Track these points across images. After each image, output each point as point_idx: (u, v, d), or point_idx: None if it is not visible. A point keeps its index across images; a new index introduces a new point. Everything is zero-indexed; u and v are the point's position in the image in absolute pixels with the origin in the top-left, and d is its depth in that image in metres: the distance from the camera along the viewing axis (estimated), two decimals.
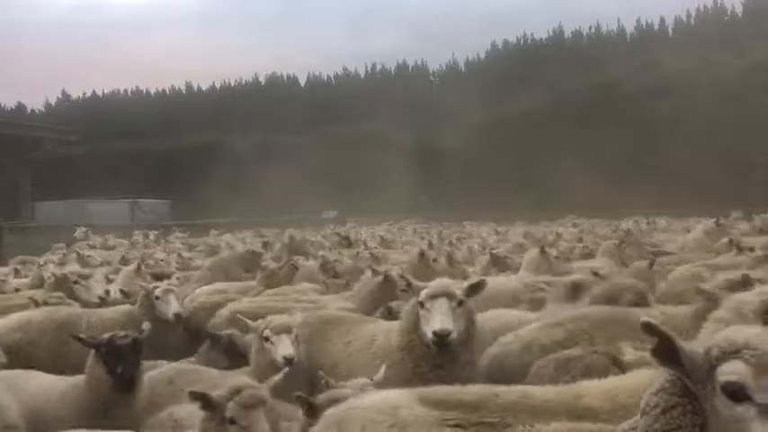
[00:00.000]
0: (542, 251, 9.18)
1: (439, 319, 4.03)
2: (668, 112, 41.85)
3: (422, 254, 9.46)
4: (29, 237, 23.35)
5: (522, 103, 49.87)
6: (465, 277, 7.15)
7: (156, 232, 23.33)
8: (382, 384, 3.62)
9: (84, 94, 76.47)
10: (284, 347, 4.39)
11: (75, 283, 7.38)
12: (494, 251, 10.79)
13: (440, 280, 4.55)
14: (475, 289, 4.35)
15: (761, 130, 37.15)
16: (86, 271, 8.23)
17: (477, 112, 50.60)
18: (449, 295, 4.15)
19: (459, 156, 46.66)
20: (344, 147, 47.96)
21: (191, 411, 3.58)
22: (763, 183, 33.64)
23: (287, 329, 4.50)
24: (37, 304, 6.55)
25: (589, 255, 10.71)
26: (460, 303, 4.19)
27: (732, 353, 1.86)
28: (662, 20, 61.40)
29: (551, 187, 39.44)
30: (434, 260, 9.42)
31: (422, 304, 4.21)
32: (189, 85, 76.22)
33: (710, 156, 37.62)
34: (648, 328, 1.94)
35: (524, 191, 39.64)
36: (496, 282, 7.71)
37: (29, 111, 74.16)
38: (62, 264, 11.31)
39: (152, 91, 76.62)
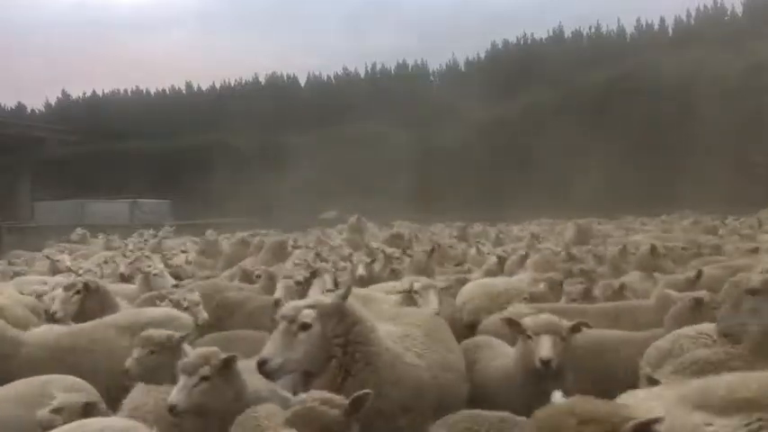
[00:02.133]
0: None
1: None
2: (668, 112, 41.89)
3: None
4: (28, 237, 23.35)
5: (523, 102, 49.90)
6: None
7: (156, 232, 23.35)
8: None
9: (85, 94, 76.41)
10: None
11: None
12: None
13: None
14: None
15: (761, 130, 37.19)
16: None
17: (477, 111, 50.62)
18: None
19: (459, 155, 46.69)
20: (344, 147, 47.97)
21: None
22: (763, 182, 33.65)
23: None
24: None
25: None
26: None
27: None
28: (662, 20, 61.38)
29: (552, 187, 39.47)
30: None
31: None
32: (189, 85, 76.19)
33: (710, 155, 37.63)
34: None
35: (525, 191, 39.63)
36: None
37: (29, 111, 74.11)
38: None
39: (152, 91, 76.63)
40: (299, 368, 3.75)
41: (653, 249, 9.02)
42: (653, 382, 3.52)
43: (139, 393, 4.15)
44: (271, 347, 3.70)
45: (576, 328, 4.66)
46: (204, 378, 3.79)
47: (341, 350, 3.79)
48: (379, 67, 71.62)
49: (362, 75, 72.05)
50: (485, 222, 26.16)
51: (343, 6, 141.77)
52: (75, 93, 77.40)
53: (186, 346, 4.68)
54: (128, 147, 55.93)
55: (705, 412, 2.51)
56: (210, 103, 68.28)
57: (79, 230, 21.19)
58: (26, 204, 40.04)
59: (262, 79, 73.46)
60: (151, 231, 23.51)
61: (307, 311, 3.78)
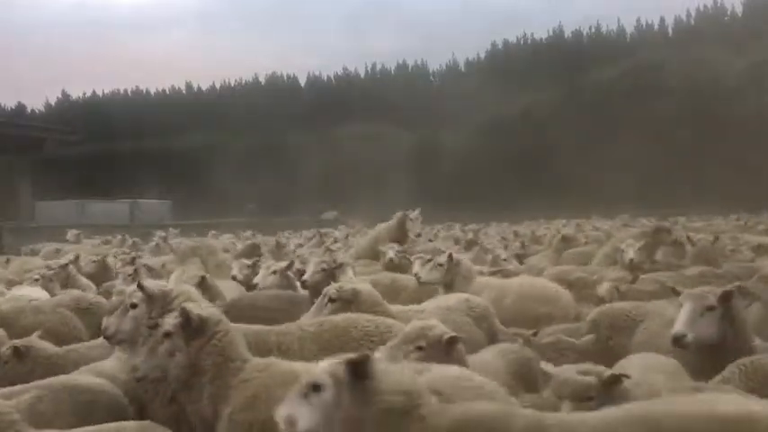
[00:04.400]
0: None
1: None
2: (668, 112, 41.91)
3: None
4: (29, 237, 23.32)
5: (522, 103, 49.94)
6: None
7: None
8: None
9: (85, 94, 76.46)
10: None
11: None
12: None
13: None
14: None
15: (761, 130, 37.20)
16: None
17: (477, 111, 50.65)
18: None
19: (459, 155, 46.73)
20: (344, 147, 47.98)
21: None
22: (762, 182, 33.66)
23: None
24: None
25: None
26: None
27: None
28: (662, 20, 61.44)
29: (552, 187, 39.50)
30: None
31: None
32: (189, 85, 76.23)
33: (710, 155, 37.67)
34: None
35: (524, 191, 39.69)
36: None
37: (29, 111, 74.12)
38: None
39: (152, 91, 76.67)
40: (126, 339, 4.54)
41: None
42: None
43: None
44: (111, 318, 4.58)
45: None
46: None
47: (148, 332, 4.31)
48: (379, 67, 71.72)
49: (362, 75, 72.08)
50: (482, 222, 26.20)
51: (343, 6, 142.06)
52: (75, 93, 77.52)
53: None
54: (128, 147, 55.98)
55: None
56: (210, 103, 68.31)
57: (74, 231, 21.10)
58: (27, 204, 40.00)
59: (262, 79, 73.58)
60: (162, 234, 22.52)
61: (136, 293, 4.54)
